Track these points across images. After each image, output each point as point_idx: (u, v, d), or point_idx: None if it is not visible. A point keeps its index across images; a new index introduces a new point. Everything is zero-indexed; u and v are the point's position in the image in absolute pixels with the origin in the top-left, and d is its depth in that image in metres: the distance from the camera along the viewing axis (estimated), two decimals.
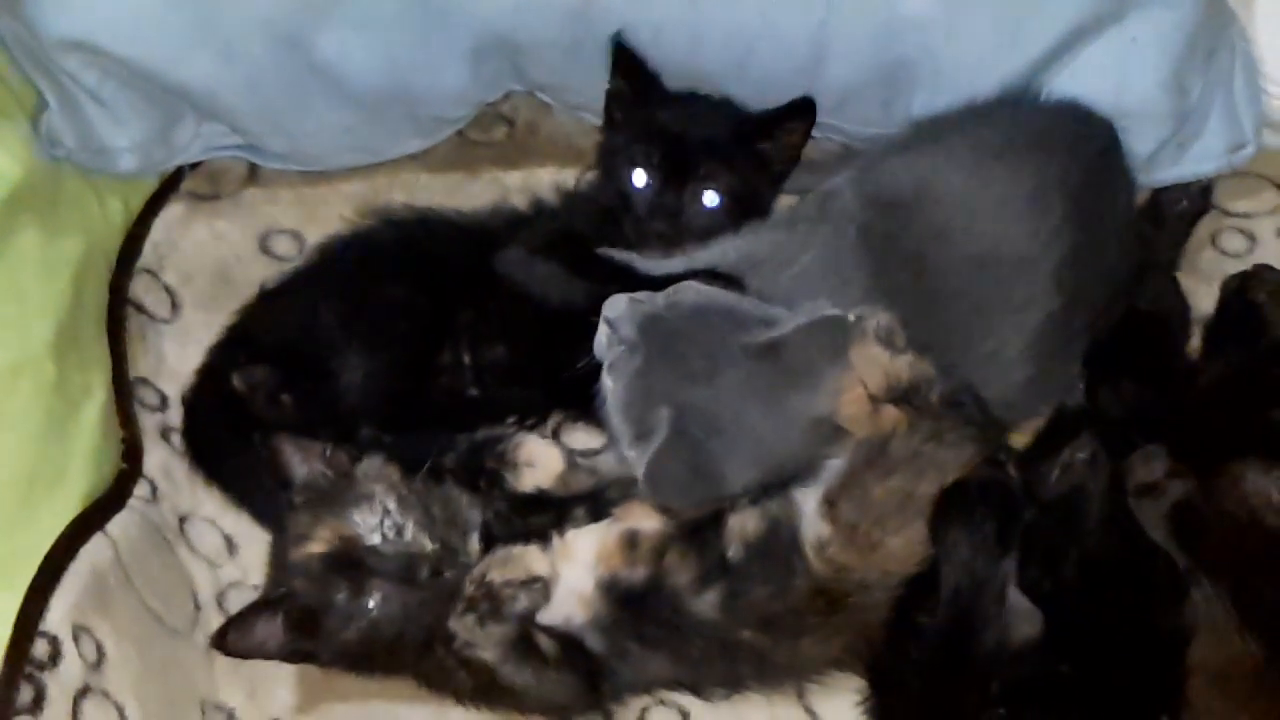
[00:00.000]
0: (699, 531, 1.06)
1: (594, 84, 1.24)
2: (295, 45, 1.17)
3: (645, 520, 1.07)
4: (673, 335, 1.03)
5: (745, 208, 1.20)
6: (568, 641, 1.06)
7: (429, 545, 1.06)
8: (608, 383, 1.05)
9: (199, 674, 1.17)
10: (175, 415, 1.25)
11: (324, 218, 1.32)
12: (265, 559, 1.16)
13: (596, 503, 1.13)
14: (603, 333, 1.06)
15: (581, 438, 1.24)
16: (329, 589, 1.04)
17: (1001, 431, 1.11)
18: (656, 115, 1.20)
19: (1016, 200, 1.10)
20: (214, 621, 1.17)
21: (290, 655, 1.07)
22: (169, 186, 1.34)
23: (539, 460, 1.15)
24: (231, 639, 1.03)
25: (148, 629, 1.13)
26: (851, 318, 1.03)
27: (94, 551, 1.10)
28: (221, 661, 1.15)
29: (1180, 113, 1.18)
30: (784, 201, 1.26)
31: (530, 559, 1.06)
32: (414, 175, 1.35)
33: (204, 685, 1.17)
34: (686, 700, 1.14)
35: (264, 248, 1.33)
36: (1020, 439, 1.15)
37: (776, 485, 1.05)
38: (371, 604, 1.04)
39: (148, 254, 1.32)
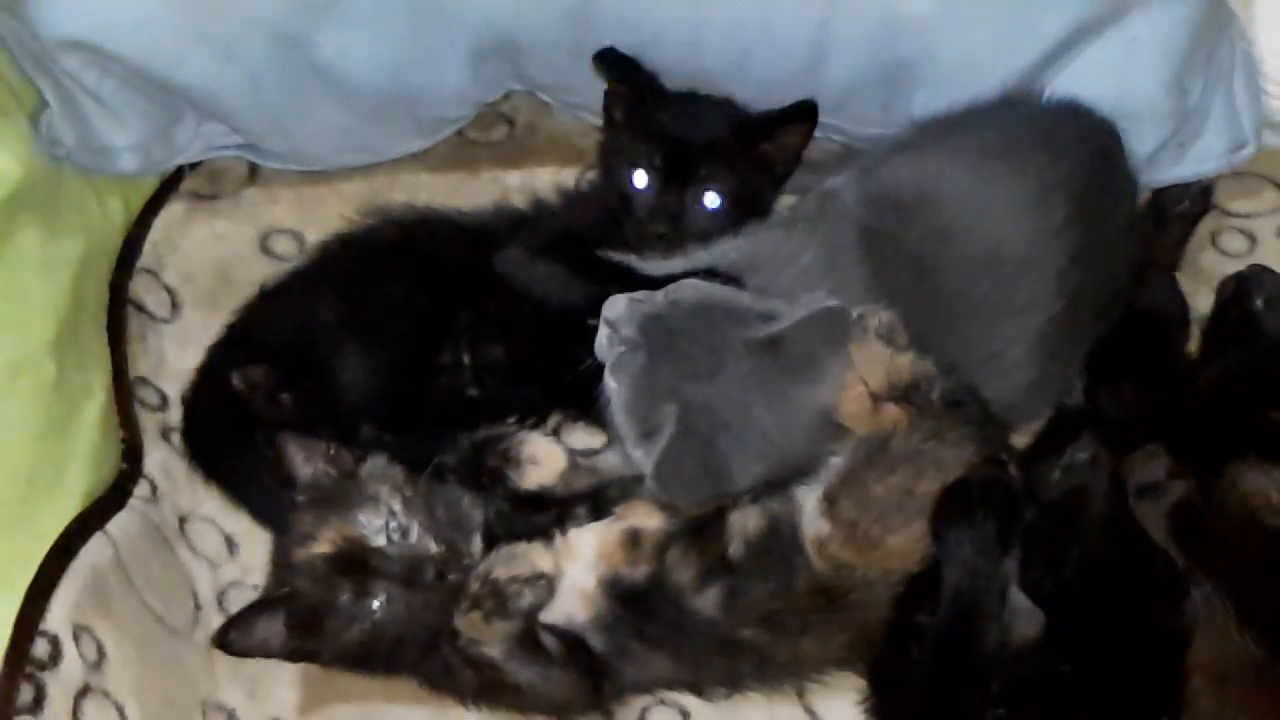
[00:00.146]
0: (700, 529, 1.06)
1: (594, 84, 1.23)
2: (295, 45, 1.17)
3: (647, 519, 1.08)
4: (674, 333, 1.03)
5: (746, 209, 1.19)
6: (571, 640, 1.06)
7: (434, 547, 1.06)
8: (611, 383, 1.05)
9: (199, 674, 1.17)
10: (175, 415, 1.25)
11: (324, 217, 1.31)
12: (265, 559, 1.16)
13: (597, 501, 1.13)
14: (603, 333, 1.06)
15: (582, 437, 1.24)
16: (333, 590, 1.04)
17: (1003, 431, 1.11)
18: (657, 116, 1.19)
19: (1019, 201, 1.09)
20: (214, 621, 1.17)
21: (291, 655, 1.07)
22: (169, 186, 1.34)
23: (542, 457, 1.16)
24: (233, 637, 1.03)
25: (148, 629, 1.13)
26: (853, 315, 1.03)
27: (94, 551, 1.10)
28: (222, 661, 1.16)
29: (1181, 113, 1.18)
30: (784, 201, 1.26)
31: (535, 556, 1.06)
32: (414, 175, 1.35)
33: (204, 685, 1.17)
34: (687, 700, 1.14)
35: (264, 247, 1.33)
36: (1021, 439, 1.15)
37: (779, 482, 1.05)
38: (375, 606, 1.04)
39: (148, 254, 1.32)
